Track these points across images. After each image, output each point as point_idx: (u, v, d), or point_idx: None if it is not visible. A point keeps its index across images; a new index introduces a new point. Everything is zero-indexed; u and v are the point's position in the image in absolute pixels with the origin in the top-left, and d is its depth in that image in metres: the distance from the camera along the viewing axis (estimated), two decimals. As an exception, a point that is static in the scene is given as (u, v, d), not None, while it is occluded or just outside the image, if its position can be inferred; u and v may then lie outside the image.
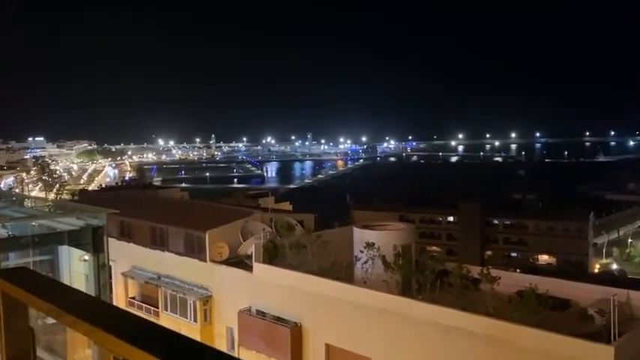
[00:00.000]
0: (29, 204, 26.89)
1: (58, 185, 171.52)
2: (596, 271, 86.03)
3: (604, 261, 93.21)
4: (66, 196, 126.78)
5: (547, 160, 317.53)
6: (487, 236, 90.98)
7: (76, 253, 20.54)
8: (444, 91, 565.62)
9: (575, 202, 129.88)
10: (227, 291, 32.30)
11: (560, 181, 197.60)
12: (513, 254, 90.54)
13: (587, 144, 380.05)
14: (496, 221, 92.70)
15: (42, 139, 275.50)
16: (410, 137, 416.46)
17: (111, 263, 22.52)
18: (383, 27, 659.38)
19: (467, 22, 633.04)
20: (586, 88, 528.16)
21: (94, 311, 2.24)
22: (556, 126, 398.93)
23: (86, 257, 20.21)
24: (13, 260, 18.44)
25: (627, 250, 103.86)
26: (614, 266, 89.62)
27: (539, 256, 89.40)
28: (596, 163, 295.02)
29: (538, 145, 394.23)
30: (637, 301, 22.16)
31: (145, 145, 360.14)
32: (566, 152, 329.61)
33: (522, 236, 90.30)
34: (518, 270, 53.07)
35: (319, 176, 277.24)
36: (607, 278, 53.47)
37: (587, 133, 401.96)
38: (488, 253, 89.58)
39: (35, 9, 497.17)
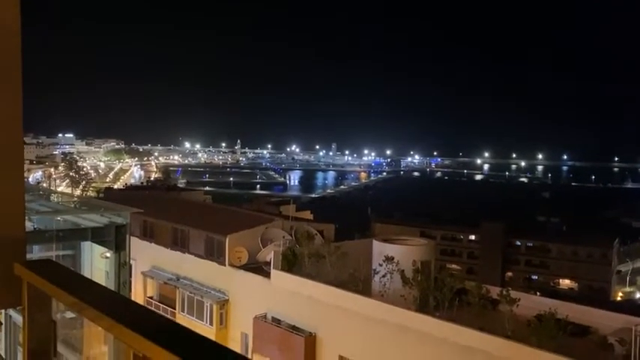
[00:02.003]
0: (55, 199, 27.35)
1: (84, 182, 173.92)
2: (619, 299, 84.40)
3: (627, 289, 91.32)
4: (91, 194, 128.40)
5: (573, 184, 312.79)
6: (508, 257, 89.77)
7: (98, 249, 20.79)
8: (471, 109, 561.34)
9: (601, 227, 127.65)
10: (244, 296, 32.37)
11: (586, 205, 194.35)
12: (534, 277, 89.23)
13: (616, 169, 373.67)
14: (518, 242, 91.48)
15: (71, 135, 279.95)
16: (435, 153, 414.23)
17: (131, 262, 22.75)
18: (408, 48, 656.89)
19: (493, 45, 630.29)
20: (616, 112, 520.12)
21: (117, 307, 2.27)
22: (584, 149, 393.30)
23: (108, 254, 20.44)
24: (37, 253, 18.73)
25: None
26: (638, 295, 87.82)
27: (561, 280, 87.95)
28: (623, 189, 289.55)
29: (565, 168, 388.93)
30: (660, 333, 21.67)
31: (172, 147, 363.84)
32: (593, 177, 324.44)
33: (544, 259, 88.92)
34: (538, 293, 52.30)
35: (341, 187, 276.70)
36: (630, 307, 52.44)
37: (616, 159, 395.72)
38: (509, 274, 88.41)
39: (71, 17, 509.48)
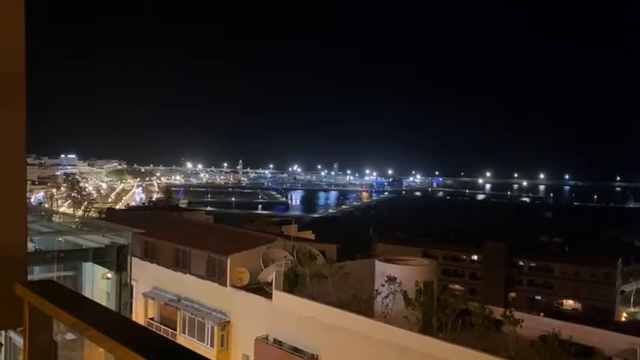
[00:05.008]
0: (57, 219, 27.35)
1: (86, 203, 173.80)
2: (623, 319, 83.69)
3: (631, 310, 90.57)
4: (93, 214, 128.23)
5: (576, 204, 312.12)
6: (511, 277, 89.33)
7: (100, 270, 20.76)
8: (473, 128, 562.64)
9: (603, 247, 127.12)
10: (245, 317, 32.16)
11: (589, 225, 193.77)
12: (537, 297, 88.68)
13: (618, 189, 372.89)
14: (521, 262, 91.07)
15: (74, 156, 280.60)
16: (437, 173, 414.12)
17: (133, 283, 22.68)
18: (410, 70, 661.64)
19: (496, 68, 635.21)
20: (618, 132, 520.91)
21: (119, 328, 2.24)
22: (586, 169, 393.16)
23: (109, 275, 20.40)
24: (38, 274, 18.68)
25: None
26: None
27: (564, 300, 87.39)
28: (625, 209, 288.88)
29: (567, 188, 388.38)
30: (665, 354, 21.48)
31: (174, 167, 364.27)
32: (595, 196, 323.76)
33: (548, 279, 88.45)
34: (541, 314, 51.96)
35: (343, 207, 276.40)
36: (634, 328, 51.94)
37: (618, 178, 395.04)
38: (512, 294, 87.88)
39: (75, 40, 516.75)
